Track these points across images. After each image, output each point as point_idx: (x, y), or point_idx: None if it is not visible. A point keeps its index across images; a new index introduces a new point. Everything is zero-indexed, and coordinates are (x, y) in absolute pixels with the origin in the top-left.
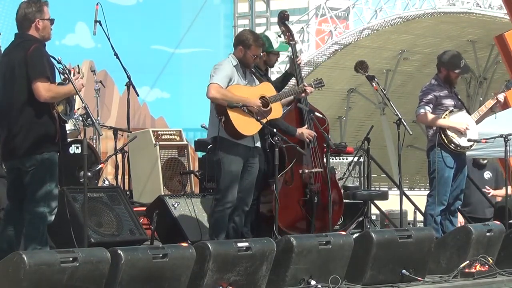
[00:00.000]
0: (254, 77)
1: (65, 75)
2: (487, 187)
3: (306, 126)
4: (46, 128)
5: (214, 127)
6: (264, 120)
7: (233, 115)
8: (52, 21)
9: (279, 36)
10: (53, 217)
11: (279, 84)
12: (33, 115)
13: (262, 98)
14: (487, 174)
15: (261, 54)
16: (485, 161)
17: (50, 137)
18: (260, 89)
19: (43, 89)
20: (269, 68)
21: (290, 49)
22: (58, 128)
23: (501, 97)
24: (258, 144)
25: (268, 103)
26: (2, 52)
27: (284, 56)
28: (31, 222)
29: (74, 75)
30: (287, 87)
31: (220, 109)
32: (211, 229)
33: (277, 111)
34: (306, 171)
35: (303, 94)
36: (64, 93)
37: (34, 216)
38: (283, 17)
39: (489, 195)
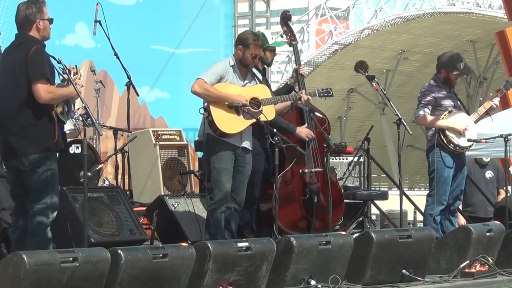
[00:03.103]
0: (256, 80)
1: (66, 75)
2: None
3: (305, 125)
4: (45, 129)
5: (202, 125)
6: (253, 120)
7: (215, 112)
8: (51, 20)
9: (281, 36)
10: (55, 214)
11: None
12: (32, 115)
13: (253, 98)
14: (488, 174)
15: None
16: (487, 160)
17: (49, 137)
18: (253, 90)
19: (43, 91)
20: (267, 68)
21: (292, 49)
22: (56, 129)
23: (496, 102)
24: (246, 144)
25: (260, 104)
26: (2, 52)
27: (284, 56)
28: (33, 219)
29: (72, 75)
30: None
31: (205, 105)
32: (210, 228)
33: (269, 113)
34: (306, 170)
35: (299, 102)
36: (64, 95)
37: (36, 213)
38: (285, 17)
39: None
